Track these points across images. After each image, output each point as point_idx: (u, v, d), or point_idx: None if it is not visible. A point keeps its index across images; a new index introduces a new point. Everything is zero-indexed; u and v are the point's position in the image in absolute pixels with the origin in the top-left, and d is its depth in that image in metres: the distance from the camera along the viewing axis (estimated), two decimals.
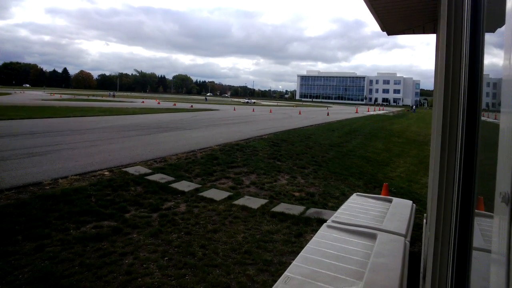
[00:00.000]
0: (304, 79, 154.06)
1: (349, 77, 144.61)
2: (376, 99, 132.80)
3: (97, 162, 8.46)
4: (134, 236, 4.65)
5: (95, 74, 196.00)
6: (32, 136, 12.45)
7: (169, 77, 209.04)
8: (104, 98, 59.80)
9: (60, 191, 6.00)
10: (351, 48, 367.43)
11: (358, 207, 4.76)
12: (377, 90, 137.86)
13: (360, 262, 3.18)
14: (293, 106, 67.67)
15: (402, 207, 4.81)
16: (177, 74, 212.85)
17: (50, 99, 45.86)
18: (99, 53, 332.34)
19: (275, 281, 2.77)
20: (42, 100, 43.01)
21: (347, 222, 4.07)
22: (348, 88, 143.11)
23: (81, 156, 9.05)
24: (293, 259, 3.14)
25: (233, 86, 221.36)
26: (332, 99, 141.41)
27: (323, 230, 3.86)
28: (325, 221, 4.25)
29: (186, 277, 3.70)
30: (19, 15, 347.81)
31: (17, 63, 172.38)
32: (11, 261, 3.83)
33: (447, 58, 1.87)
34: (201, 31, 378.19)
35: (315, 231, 4.59)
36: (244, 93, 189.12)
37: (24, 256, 3.94)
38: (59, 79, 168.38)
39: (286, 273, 2.88)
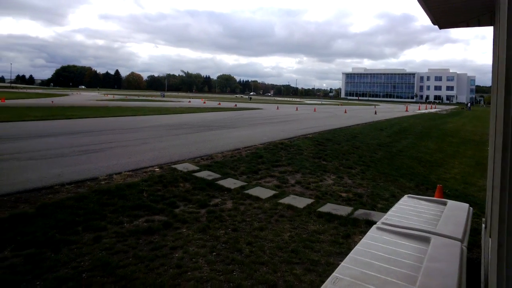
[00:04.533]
0: (350, 77, 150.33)
1: (398, 74, 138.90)
2: (427, 97, 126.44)
3: (148, 159, 8.84)
4: (184, 230, 4.80)
5: (145, 75, 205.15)
6: (88, 134, 13.27)
7: (214, 77, 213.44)
8: (153, 98, 62.36)
9: (114, 186, 6.33)
10: (399, 44, 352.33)
11: (409, 209, 4.56)
12: (428, 87, 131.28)
13: (412, 266, 3.04)
14: (338, 104, 66.33)
15: (458, 210, 4.54)
16: (221, 74, 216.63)
17: (104, 100, 48.65)
18: (148, 55, 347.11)
19: (323, 282, 2.73)
20: (97, 100, 45.74)
21: (398, 224, 3.91)
22: (397, 85, 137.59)
23: (133, 153, 9.51)
24: (341, 261, 3.08)
25: (276, 85, 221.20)
26: (379, 97, 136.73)
27: (372, 232, 3.74)
28: (374, 222, 4.12)
29: (234, 273, 3.76)
30: (76, 22, 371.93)
31: (74, 66, 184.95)
32: (74, 249, 4.11)
33: (508, 51, 1.73)
34: (244, 31, 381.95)
35: (363, 233, 4.47)
36: (287, 91, 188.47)
37: (84, 246, 4.21)
38: (112, 81, 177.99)
39: (334, 273, 2.83)
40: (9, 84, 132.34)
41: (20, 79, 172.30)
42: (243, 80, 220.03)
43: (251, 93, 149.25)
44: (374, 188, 7.52)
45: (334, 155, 10.70)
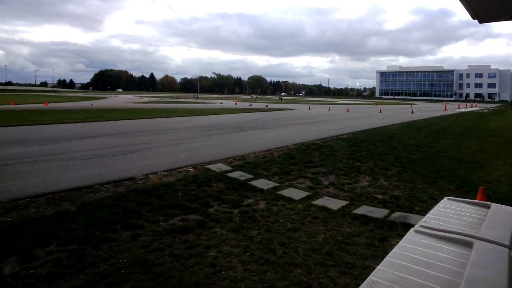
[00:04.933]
0: (384, 75, 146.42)
1: (436, 72, 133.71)
2: (467, 95, 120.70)
3: (182, 159, 9.03)
4: (217, 230, 4.86)
5: (178, 78, 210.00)
6: (125, 135, 13.75)
7: (245, 78, 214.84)
8: (186, 100, 63.68)
9: (151, 186, 6.52)
10: (436, 40, 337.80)
11: (449, 212, 4.36)
12: (468, 85, 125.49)
13: (453, 272, 2.91)
14: (372, 104, 64.77)
15: (503, 214, 4.28)
16: (252, 75, 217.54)
17: (140, 102, 50.26)
18: (181, 58, 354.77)
19: (358, 285, 2.67)
20: (133, 103, 47.32)
21: (437, 227, 3.75)
22: (435, 83, 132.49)
23: (168, 154, 9.74)
24: (377, 264, 2.99)
25: (307, 85, 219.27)
26: (416, 96, 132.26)
27: (410, 235, 3.61)
28: (411, 225, 3.97)
29: (268, 274, 3.75)
30: (112, 28, 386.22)
31: (111, 70, 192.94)
32: (113, 246, 4.27)
33: None
34: (275, 32, 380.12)
35: (400, 236, 4.32)
36: (319, 92, 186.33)
37: (122, 243, 4.36)
38: (147, 84, 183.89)
39: (370, 277, 2.75)
40: (51, 88, 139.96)
41: (62, 83, 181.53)
42: (273, 81, 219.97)
43: (282, 94, 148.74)
44: (411, 190, 7.27)
45: (369, 156, 10.45)
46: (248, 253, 4.20)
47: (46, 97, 55.32)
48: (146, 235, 4.61)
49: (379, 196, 6.73)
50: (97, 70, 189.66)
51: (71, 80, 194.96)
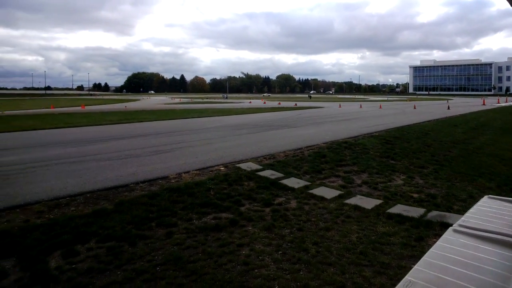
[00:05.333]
0: (418, 70, 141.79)
1: (472, 65, 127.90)
2: (507, 88, 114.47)
3: (213, 158, 9.14)
4: (249, 228, 4.88)
5: (208, 78, 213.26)
6: (158, 136, 14.10)
7: (273, 77, 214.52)
8: (215, 100, 64.45)
9: (183, 184, 6.64)
10: (473, 32, 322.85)
11: (490, 211, 4.14)
12: (508, 78, 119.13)
13: (497, 274, 2.77)
14: (406, 100, 62.86)
15: None
16: (280, 73, 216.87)
17: (171, 103, 51.39)
18: (210, 59, 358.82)
19: (394, 285, 2.59)
20: (165, 104, 48.46)
21: (477, 227, 3.58)
22: (472, 77, 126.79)
23: (199, 153, 9.89)
24: (414, 264, 2.89)
25: (337, 82, 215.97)
26: (452, 91, 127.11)
27: (448, 234, 3.46)
28: (449, 225, 3.81)
29: (300, 272, 3.72)
30: (143, 32, 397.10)
31: (143, 73, 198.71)
32: (148, 243, 4.38)
33: None
34: (302, 29, 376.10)
35: (438, 235, 4.17)
36: (349, 89, 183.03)
37: (157, 241, 4.47)
38: (178, 85, 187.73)
39: (407, 277, 2.67)
40: (87, 92, 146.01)
41: (97, 86, 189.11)
42: (302, 79, 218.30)
43: (311, 92, 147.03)
44: (449, 189, 6.98)
45: (404, 154, 10.14)
46: (280, 252, 4.18)
47: (82, 100, 57.75)
48: (180, 233, 4.70)
49: (415, 195, 6.52)
50: (130, 73, 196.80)
51: (105, 84, 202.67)
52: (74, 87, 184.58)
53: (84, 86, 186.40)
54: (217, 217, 5.25)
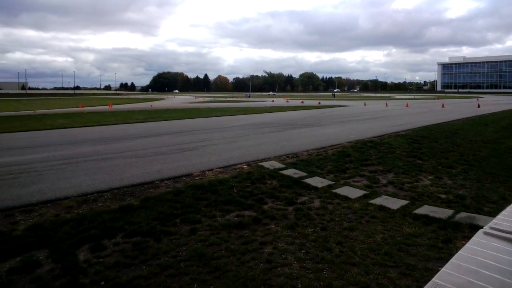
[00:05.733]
0: (446, 68, 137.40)
1: (505, 61, 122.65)
2: None
3: (236, 156, 9.19)
4: (272, 227, 4.87)
5: (231, 77, 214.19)
6: (182, 134, 14.30)
7: (296, 75, 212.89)
8: (238, 99, 64.73)
9: (207, 182, 6.71)
10: (505, 27, 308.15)
11: None
12: None
13: None
14: (434, 98, 61.03)
15: None
16: (303, 72, 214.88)
17: (195, 102, 52.00)
18: (233, 58, 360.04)
19: (420, 287, 2.52)
20: (189, 103, 49.10)
21: (510, 230, 3.44)
22: (504, 74, 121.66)
23: (223, 151, 9.97)
24: (441, 267, 2.80)
25: (362, 80, 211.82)
26: (482, 88, 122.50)
27: (478, 237, 3.34)
28: (479, 227, 3.67)
29: (324, 272, 3.69)
30: (168, 32, 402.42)
31: (168, 72, 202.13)
32: (173, 239, 4.46)
33: None
34: (326, 27, 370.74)
35: (467, 238, 4.03)
36: (374, 87, 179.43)
37: (181, 237, 4.54)
38: (201, 84, 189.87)
39: (434, 279, 2.59)
40: (114, 91, 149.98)
41: (124, 86, 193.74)
42: (326, 77, 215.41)
43: (335, 90, 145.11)
44: (479, 190, 6.74)
45: (431, 153, 9.86)
46: (303, 251, 4.16)
47: (110, 100, 59.34)
48: (203, 230, 4.75)
49: (443, 196, 6.33)
50: (155, 73, 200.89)
51: (132, 83, 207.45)
52: (102, 87, 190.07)
53: (111, 86, 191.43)
54: (240, 215, 5.28)
